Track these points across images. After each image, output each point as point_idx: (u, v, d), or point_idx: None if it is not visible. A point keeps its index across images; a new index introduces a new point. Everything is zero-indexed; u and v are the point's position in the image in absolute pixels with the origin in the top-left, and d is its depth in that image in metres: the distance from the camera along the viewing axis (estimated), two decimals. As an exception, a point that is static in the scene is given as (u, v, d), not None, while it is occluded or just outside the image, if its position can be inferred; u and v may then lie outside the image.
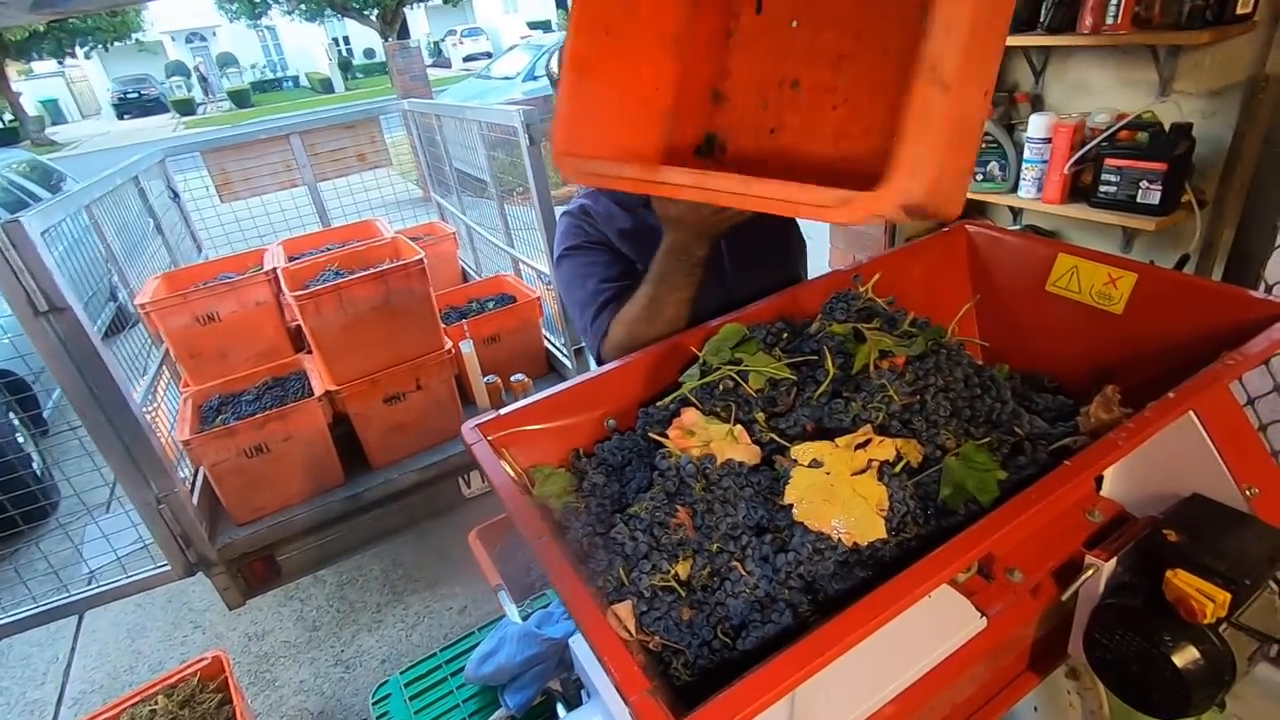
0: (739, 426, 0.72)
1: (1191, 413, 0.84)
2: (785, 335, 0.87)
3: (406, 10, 19.03)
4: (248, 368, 2.33)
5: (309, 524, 2.19)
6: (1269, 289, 1.57)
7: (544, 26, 28.33)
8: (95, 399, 1.72)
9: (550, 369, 2.77)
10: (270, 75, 29.04)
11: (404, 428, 2.30)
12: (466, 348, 2.36)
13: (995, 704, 0.92)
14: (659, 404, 0.81)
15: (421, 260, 2.16)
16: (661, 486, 0.70)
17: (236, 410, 2.17)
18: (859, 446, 0.66)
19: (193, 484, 2.17)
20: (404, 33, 18.54)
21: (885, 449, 0.66)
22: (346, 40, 29.91)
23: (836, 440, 0.67)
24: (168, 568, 2.01)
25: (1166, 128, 1.61)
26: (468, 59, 25.38)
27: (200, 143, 3.38)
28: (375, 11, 16.75)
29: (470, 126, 2.87)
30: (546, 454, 0.89)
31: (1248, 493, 0.87)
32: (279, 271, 2.25)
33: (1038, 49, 1.85)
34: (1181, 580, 0.77)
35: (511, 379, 2.46)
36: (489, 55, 20.25)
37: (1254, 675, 1.67)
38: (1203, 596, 0.76)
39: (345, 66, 26.25)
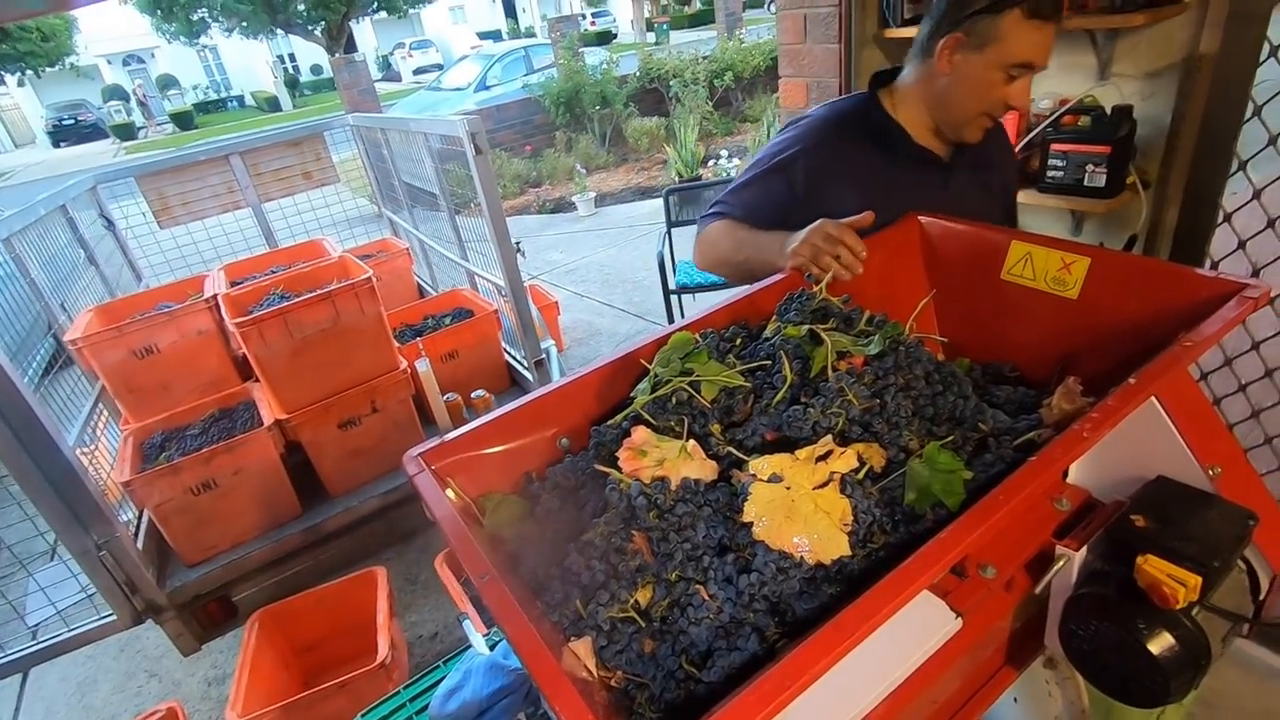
0: (692, 442, 0.68)
1: (1153, 396, 0.82)
2: (739, 341, 0.83)
3: (352, 25, 18.71)
4: (192, 400, 2.23)
5: (265, 560, 2.10)
6: (1215, 265, 1.60)
7: (494, 36, 28.17)
8: (21, 445, 1.61)
9: (512, 383, 2.70)
10: (214, 95, 28.27)
11: (362, 452, 2.22)
12: (423, 366, 2.29)
13: (977, 700, 0.90)
14: (610, 422, 0.77)
15: (370, 279, 2.09)
16: (616, 511, 0.66)
17: (181, 446, 2.07)
18: (820, 459, 0.63)
19: (137, 527, 2.06)
20: (350, 47, 18.20)
21: (847, 460, 0.63)
22: (292, 57, 29.30)
23: (797, 453, 0.64)
24: (113, 618, 1.90)
25: (1108, 111, 1.63)
26: (418, 71, 25.08)
27: (134, 168, 3.24)
28: (320, 27, 16.42)
29: (416, 139, 2.79)
30: (497, 479, 0.85)
31: (1210, 473, 0.86)
32: (220, 298, 2.15)
33: (979, 38, 1.86)
34: (1152, 566, 0.75)
35: (472, 395, 2.39)
36: (440, 67, 20.05)
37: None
38: (1174, 582, 0.74)
39: (292, 84, 25.72)
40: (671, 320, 3.52)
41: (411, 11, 20.74)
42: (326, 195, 3.83)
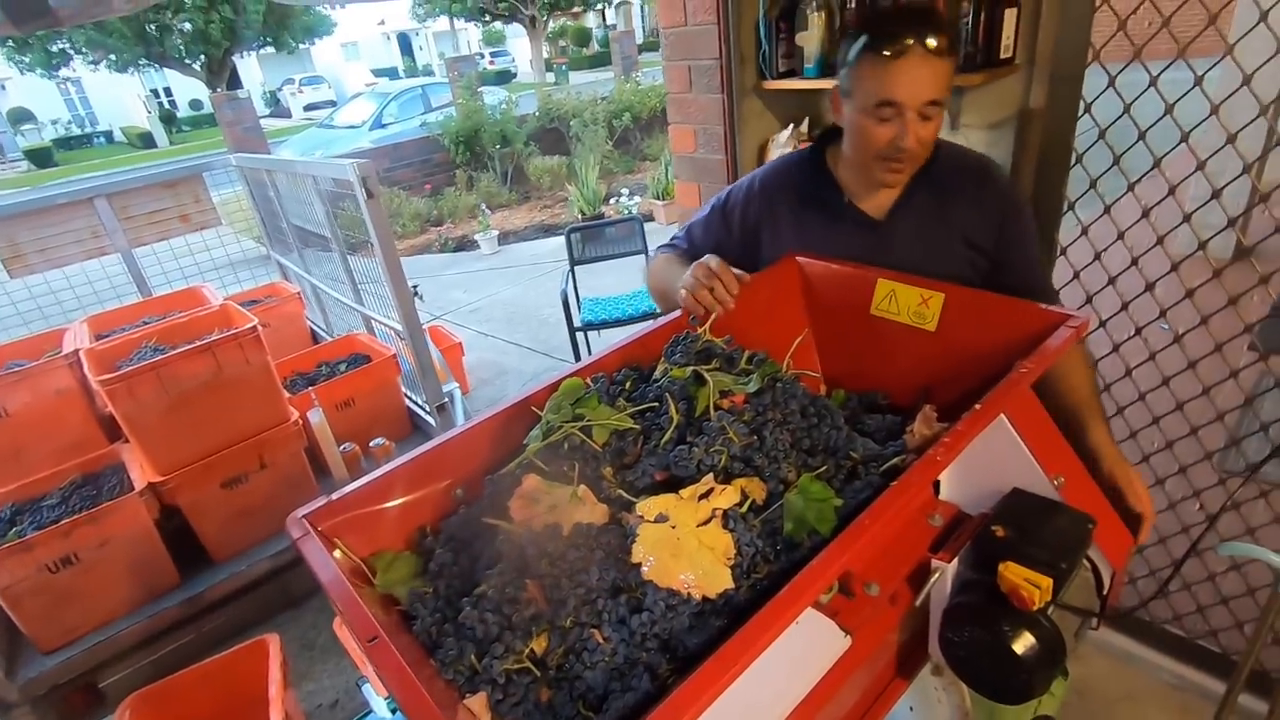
0: (583, 486, 0.70)
1: (1003, 415, 0.91)
2: (629, 384, 0.86)
3: (237, 59, 17.94)
4: (50, 466, 2.02)
5: (139, 638, 1.91)
6: (1056, 293, 1.79)
7: (390, 74, 27.76)
8: None
9: (414, 429, 2.63)
10: (77, 131, 26.17)
11: (249, 512, 2.09)
12: (315, 417, 2.19)
13: (873, 713, 0.94)
14: (503, 471, 0.77)
15: (255, 328, 1.99)
16: (509, 561, 0.66)
17: (36, 519, 1.87)
18: (702, 496, 0.66)
19: (-20, 614, 1.83)
20: (235, 83, 17.40)
21: (728, 496, 0.66)
22: (168, 91, 27.64)
23: (681, 492, 0.67)
24: (-49, 721, 1.67)
25: (960, 157, 1.81)
26: (309, 108, 24.29)
27: (-26, 213, 2.95)
28: (200, 61, 15.63)
29: (305, 181, 2.71)
30: (390, 537, 0.82)
31: (1056, 482, 0.95)
32: (82, 353, 1.98)
33: (847, 91, 2.03)
34: (1011, 572, 0.82)
35: (371, 444, 2.30)
36: (332, 104, 19.50)
37: (1093, 637, 1.85)
38: (1030, 585, 0.81)
39: (168, 119, 24.18)
40: (578, 358, 3.54)
41: (301, 47, 20.15)
42: (207, 238, 3.63)
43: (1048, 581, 0.81)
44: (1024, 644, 0.82)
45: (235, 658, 1.91)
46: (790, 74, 1.95)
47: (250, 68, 27.44)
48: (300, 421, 2.15)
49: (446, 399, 2.46)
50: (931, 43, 1.00)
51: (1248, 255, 1.46)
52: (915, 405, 1.06)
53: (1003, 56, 1.63)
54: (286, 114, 25.48)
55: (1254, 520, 1.57)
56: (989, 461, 0.97)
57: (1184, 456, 1.63)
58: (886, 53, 1.01)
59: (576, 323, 3.45)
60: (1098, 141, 1.56)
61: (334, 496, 0.79)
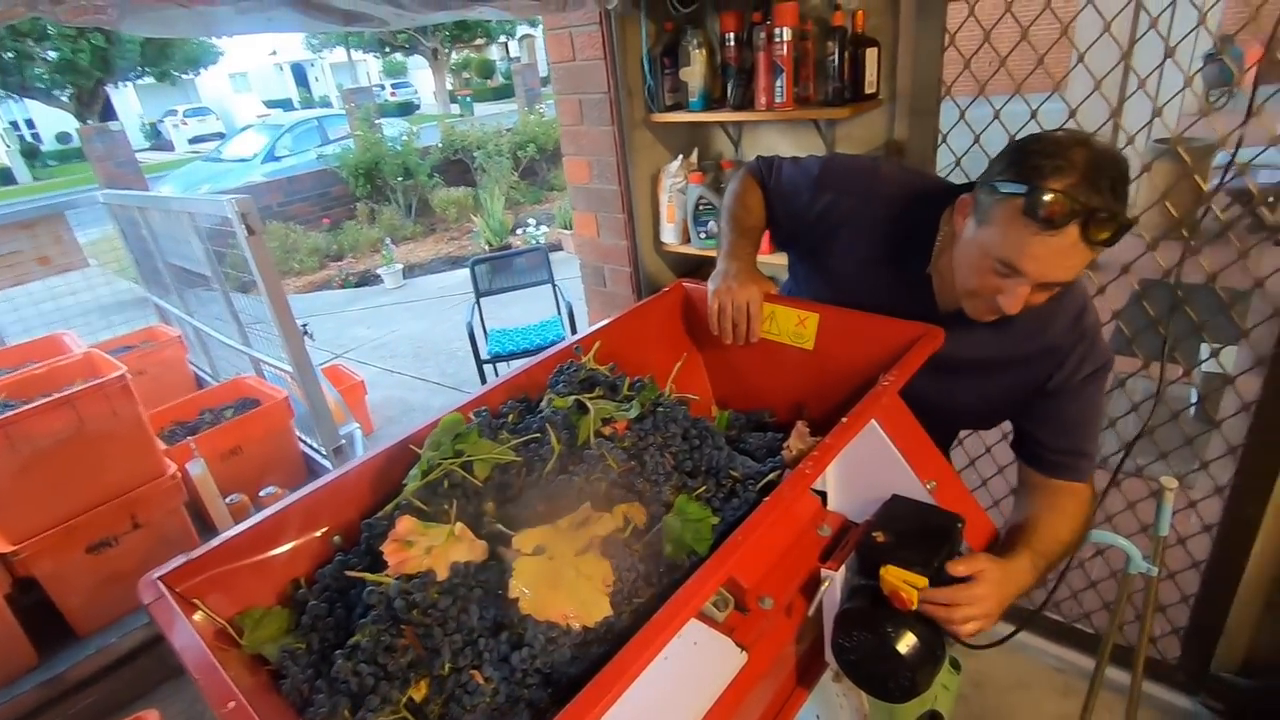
0: (460, 525, 0.68)
1: (877, 425, 0.95)
2: (512, 416, 0.86)
3: (111, 89, 16.76)
4: (-126, 545, 1.78)
5: (-12, 731, 1.70)
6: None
7: (284, 105, 26.73)
8: None
9: (310, 474, 2.49)
10: (-79, 167, 23.64)
11: (120, 578, 1.91)
12: (196, 469, 2.04)
13: (780, 721, 0.96)
14: (380, 514, 0.75)
15: (123, 376, 1.84)
16: (385, 609, 0.63)
17: None
18: (580, 525, 0.66)
19: None
20: (108, 114, 16.22)
21: (605, 523, 0.66)
22: (30, 123, 25.47)
23: (558, 522, 0.67)
24: None
25: (837, 185, 1.92)
26: (194, 140, 23.00)
27: None
28: (67, 92, 14.47)
29: (181, 219, 2.55)
30: (261, 592, 0.78)
31: (928, 486, 1.01)
32: (-88, 415, 1.77)
33: (732, 123, 2.13)
34: (891, 575, 0.86)
35: (261, 493, 2.16)
36: (221, 136, 18.54)
37: (994, 632, 1.95)
38: (908, 586, 0.86)
39: (31, 153, 22.24)
40: (487, 390, 3.47)
41: (185, 77, 19.08)
42: (73, 281, 3.35)
43: (924, 581, 0.86)
44: (906, 643, 0.86)
45: (106, 741, 1.73)
46: (677, 107, 2.03)
47: (127, 98, 25.72)
48: (179, 474, 2.00)
49: (344, 441, 2.35)
50: (1097, 234, 0.79)
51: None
52: (795, 421, 1.11)
53: (868, 92, 1.75)
54: (169, 147, 24.00)
55: (1111, 508, 1.72)
56: (870, 470, 1.02)
57: (1049, 454, 1.77)
58: (1039, 223, 0.79)
59: (484, 355, 3.39)
60: (954, 168, 1.70)
61: (194, 554, 0.74)
